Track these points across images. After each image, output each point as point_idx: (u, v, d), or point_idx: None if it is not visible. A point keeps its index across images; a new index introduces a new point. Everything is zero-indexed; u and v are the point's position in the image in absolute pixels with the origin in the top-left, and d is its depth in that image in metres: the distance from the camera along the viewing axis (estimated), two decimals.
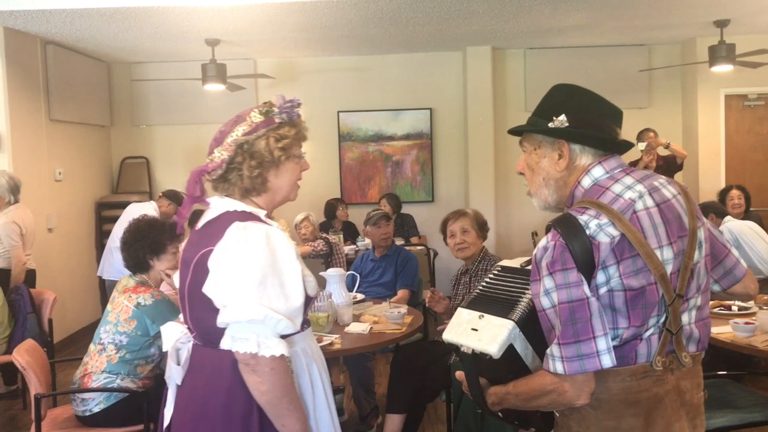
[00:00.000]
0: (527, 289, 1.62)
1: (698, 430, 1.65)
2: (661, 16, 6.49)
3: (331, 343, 3.25)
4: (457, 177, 8.07)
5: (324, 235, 5.89)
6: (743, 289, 1.79)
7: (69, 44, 6.76)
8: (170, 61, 7.77)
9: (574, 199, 1.65)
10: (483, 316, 1.64)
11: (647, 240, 1.52)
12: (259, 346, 1.72)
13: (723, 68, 6.66)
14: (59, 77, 6.69)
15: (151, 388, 3.24)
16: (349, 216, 7.37)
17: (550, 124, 1.66)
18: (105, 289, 7.12)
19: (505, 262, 1.81)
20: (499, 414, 1.72)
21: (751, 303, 3.56)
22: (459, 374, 1.76)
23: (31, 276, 5.24)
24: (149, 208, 6.08)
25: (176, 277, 1.99)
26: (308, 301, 1.87)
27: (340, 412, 4.08)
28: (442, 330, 3.63)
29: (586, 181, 1.64)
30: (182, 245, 2.12)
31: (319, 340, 3.18)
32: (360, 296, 4.24)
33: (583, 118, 1.65)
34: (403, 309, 3.74)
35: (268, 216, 1.90)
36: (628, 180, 1.61)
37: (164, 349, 1.97)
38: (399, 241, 6.00)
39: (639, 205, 1.55)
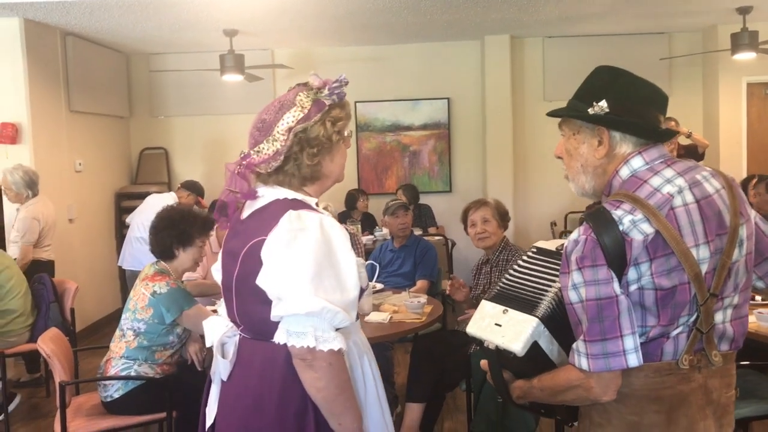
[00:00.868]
0: (557, 276, 1.59)
1: (726, 429, 1.61)
2: (682, 3, 6.41)
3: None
4: (475, 167, 8.04)
5: (342, 225, 5.89)
6: None
7: (88, 35, 6.80)
8: (188, 52, 7.79)
9: (611, 189, 1.60)
10: (507, 311, 1.61)
11: (683, 238, 1.47)
12: (316, 341, 1.63)
13: (745, 56, 6.57)
14: (79, 68, 6.73)
15: (171, 374, 3.28)
16: (368, 207, 7.37)
17: (590, 110, 1.59)
18: (125, 279, 7.20)
19: (541, 244, 1.76)
20: (525, 404, 1.71)
21: None
22: (483, 363, 1.74)
23: (50, 266, 5.30)
24: (169, 199, 6.11)
25: (215, 270, 1.94)
26: (361, 292, 1.78)
27: None
28: (463, 320, 3.66)
29: (625, 172, 1.58)
30: (212, 238, 2.08)
31: None
32: (379, 286, 4.24)
33: (624, 104, 1.58)
34: (423, 298, 3.74)
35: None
36: (669, 173, 1.55)
37: (207, 345, 1.89)
38: (417, 232, 5.99)
39: (677, 201, 1.50)
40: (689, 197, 1.51)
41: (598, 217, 1.48)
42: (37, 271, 4.96)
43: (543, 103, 7.89)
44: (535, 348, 1.56)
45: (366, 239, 6.44)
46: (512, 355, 1.56)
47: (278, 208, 1.74)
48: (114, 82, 7.63)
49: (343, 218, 6.72)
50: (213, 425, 1.89)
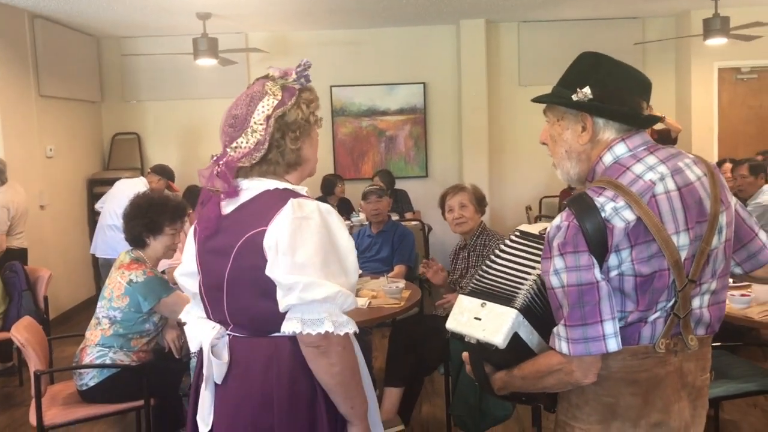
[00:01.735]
0: (533, 266, 1.61)
1: (699, 411, 1.65)
2: None
3: None
4: (451, 152, 8.05)
5: None
6: (766, 273, 1.74)
7: (57, 18, 6.66)
8: (161, 36, 7.68)
9: (595, 175, 1.61)
10: (485, 304, 1.61)
11: (664, 225, 1.49)
12: (334, 326, 1.63)
13: (717, 41, 6.64)
14: (48, 52, 6.60)
15: (148, 362, 3.25)
16: (345, 192, 7.36)
17: (574, 96, 1.59)
18: (98, 266, 7.11)
19: (525, 227, 1.77)
20: (507, 395, 1.72)
21: None
22: (465, 356, 1.74)
23: (23, 254, 5.22)
24: (139, 184, 6.04)
25: (182, 275, 1.89)
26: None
27: None
28: (441, 305, 3.68)
29: (608, 158, 1.59)
30: (187, 228, 2.00)
31: None
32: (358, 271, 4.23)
33: (608, 91, 1.58)
34: (401, 283, 3.75)
35: None
36: (651, 160, 1.55)
37: (193, 350, 1.85)
38: (394, 217, 5.99)
39: (659, 188, 1.51)
40: (671, 185, 1.53)
41: (580, 204, 1.49)
42: (10, 259, 4.88)
43: (518, 88, 7.92)
44: (515, 339, 1.57)
45: None
46: (494, 348, 1.56)
47: (273, 198, 1.72)
48: (85, 66, 7.49)
49: None
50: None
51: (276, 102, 1.75)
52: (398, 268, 4.50)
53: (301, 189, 1.78)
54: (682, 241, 1.50)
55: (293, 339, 1.69)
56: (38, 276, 4.75)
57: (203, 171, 1.79)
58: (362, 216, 5.67)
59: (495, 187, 7.89)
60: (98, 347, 3.19)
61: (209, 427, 1.81)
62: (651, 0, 7.02)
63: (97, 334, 3.22)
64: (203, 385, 1.81)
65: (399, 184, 7.43)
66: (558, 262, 1.48)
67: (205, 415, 1.81)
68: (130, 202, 3.39)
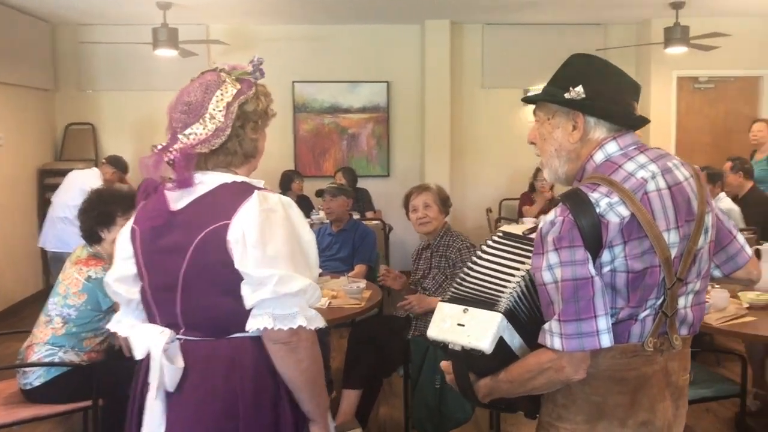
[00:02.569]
0: (517, 267, 1.59)
1: (681, 410, 1.66)
2: None
3: None
4: (413, 152, 8.02)
5: None
6: (745, 275, 1.78)
7: (10, 2, 6.42)
8: (120, 24, 7.47)
9: (584, 173, 1.62)
10: (467, 309, 1.58)
11: (656, 222, 1.50)
12: (306, 320, 1.61)
13: (677, 50, 6.75)
14: None
15: (98, 362, 3.13)
16: (304, 189, 7.26)
17: (567, 95, 1.60)
18: (47, 260, 6.88)
19: (507, 228, 1.76)
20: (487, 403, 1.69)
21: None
22: (445, 365, 1.71)
23: None
24: (92, 176, 5.87)
25: (117, 279, 1.79)
26: None
27: None
28: (402, 306, 3.63)
29: (599, 156, 1.60)
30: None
31: None
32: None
33: (600, 91, 1.60)
34: (362, 284, 3.69)
35: None
36: (642, 158, 1.57)
37: (140, 356, 1.73)
38: (355, 216, 5.92)
39: (651, 186, 1.52)
40: (662, 183, 1.54)
41: (575, 199, 1.49)
42: None
43: (481, 90, 7.94)
44: (499, 344, 1.55)
45: None
46: (480, 354, 1.53)
47: (232, 191, 1.67)
48: (38, 52, 7.24)
49: None
50: None
51: (235, 91, 1.72)
52: (359, 268, 4.44)
53: (259, 182, 1.74)
54: (672, 238, 1.52)
55: (255, 339, 1.64)
56: None
57: (146, 159, 1.71)
58: (322, 214, 5.59)
59: (456, 188, 7.88)
60: (47, 346, 3.05)
61: None
62: (613, 7, 7.10)
63: (47, 332, 3.07)
64: (151, 395, 1.70)
65: (361, 183, 7.36)
66: (552, 257, 1.47)
67: (154, 427, 1.70)
68: (85, 198, 3.28)
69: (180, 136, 1.69)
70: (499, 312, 1.54)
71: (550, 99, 1.65)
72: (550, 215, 1.52)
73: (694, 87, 7.84)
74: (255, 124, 1.75)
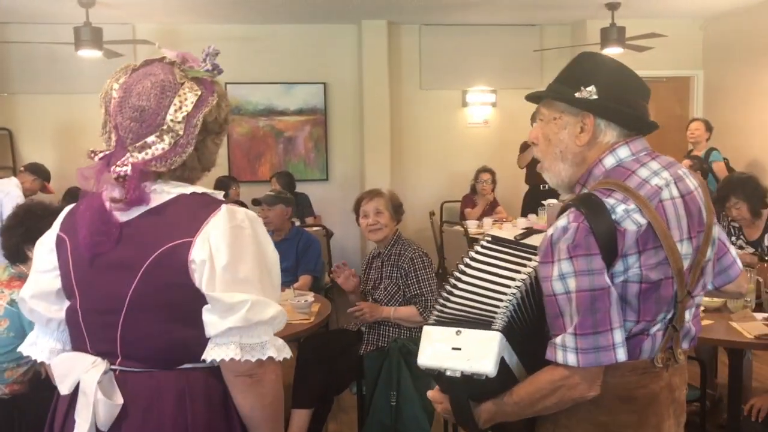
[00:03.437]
0: (511, 278, 1.47)
1: (681, 428, 1.60)
2: None
3: None
4: (353, 155, 7.85)
5: None
6: (735, 288, 1.73)
7: None
8: (39, 23, 7.02)
9: (590, 177, 1.53)
10: (460, 331, 1.45)
11: (670, 232, 1.42)
12: (277, 351, 1.45)
13: (614, 50, 6.78)
14: None
15: (21, 394, 2.84)
16: (240, 195, 6.99)
17: (577, 94, 1.51)
18: None
19: (496, 232, 1.63)
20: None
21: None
22: (434, 395, 1.59)
23: None
24: (10, 185, 5.47)
25: (35, 296, 1.57)
26: None
27: None
28: (353, 312, 3.45)
29: (610, 161, 1.51)
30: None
31: None
32: None
33: (613, 92, 1.51)
34: (310, 297, 3.49)
35: None
36: (655, 165, 1.49)
37: (65, 392, 1.51)
38: (296, 222, 5.71)
39: (665, 194, 1.45)
40: (675, 191, 1.47)
41: (590, 205, 1.40)
42: None
43: (420, 92, 7.85)
44: (501, 364, 1.43)
45: None
46: (484, 378, 1.41)
47: (193, 204, 1.47)
48: None
49: None
50: None
51: (196, 99, 1.49)
52: (303, 279, 4.23)
53: (218, 193, 1.55)
54: (685, 249, 1.46)
55: (208, 369, 1.46)
56: None
57: (85, 171, 1.51)
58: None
59: (397, 191, 7.53)
60: None
61: None
62: (549, 8, 7.11)
63: None
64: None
65: (299, 188, 7.13)
66: (565, 266, 1.38)
67: None
68: (9, 215, 2.99)
69: (131, 149, 1.47)
70: (498, 331, 1.42)
71: (560, 97, 1.54)
72: (562, 221, 1.41)
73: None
74: (218, 135, 1.57)
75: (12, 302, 2.76)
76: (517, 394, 1.46)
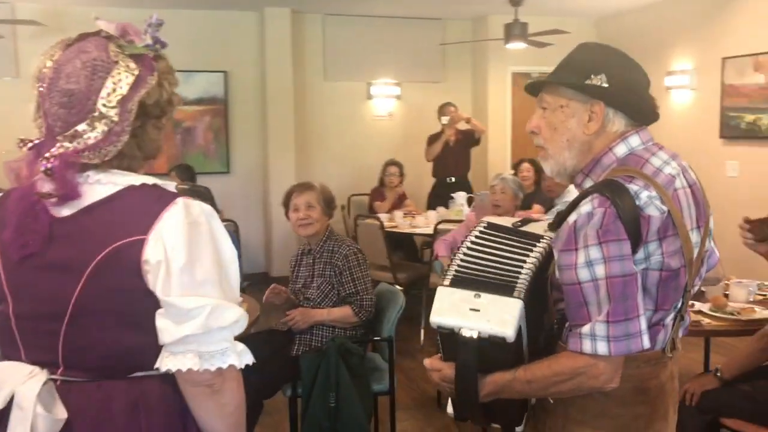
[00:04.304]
0: (525, 254, 1.44)
1: (675, 416, 1.62)
2: None
3: None
4: (255, 146, 7.60)
5: None
6: (714, 274, 1.82)
7: None
8: None
9: (597, 166, 1.51)
10: (479, 295, 1.40)
11: (684, 221, 1.43)
12: (239, 358, 1.33)
13: (517, 46, 6.90)
14: None
15: None
16: None
17: (588, 82, 1.49)
18: None
19: (494, 219, 1.59)
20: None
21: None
22: (433, 363, 1.52)
23: None
24: None
25: None
26: None
27: None
28: (285, 323, 3.30)
29: (621, 149, 1.50)
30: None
31: None
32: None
33: (622, 82, 1.50)
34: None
35: None
36: (663, 155, 1.50)
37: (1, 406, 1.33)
38: None
39: (678, 183, 1.46)
40: (684, 181, 1.49)
41: (614, 189, 1.37)
42: None
43: (324, 83, 7.71)
44: (517, 335, 1.39)
45: None
46: (501, 342, 1.36)
47: (144, 197, 1.34)
48: None
49: None
50: None
51: (132, 78, 1.34)
52: None
53: (171, 184, 1.41)
54: (695, 238, 1.46)
55: (165, 377, 1.33)
56: None
57: (12, 164, 1.36)
58: None
59: None
60: None
61: None
62: (451, 3, 7.16)
63: None
64: None
65: (199, 181, 6.82)
66: (594, 252, 1.34)
67: None
68: None
69: (60, 138, 1.32)
70: (519, 299, 1.38)
71: (571, 84, 1.50)
72: (585, 207, 1.38)
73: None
74: (159, 120, 1.42)
75: None
76: (532, 373, 1.42)
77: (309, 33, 7.64)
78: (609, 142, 1.51)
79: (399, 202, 6.68)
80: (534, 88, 1.61)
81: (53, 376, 1.33)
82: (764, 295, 3.28)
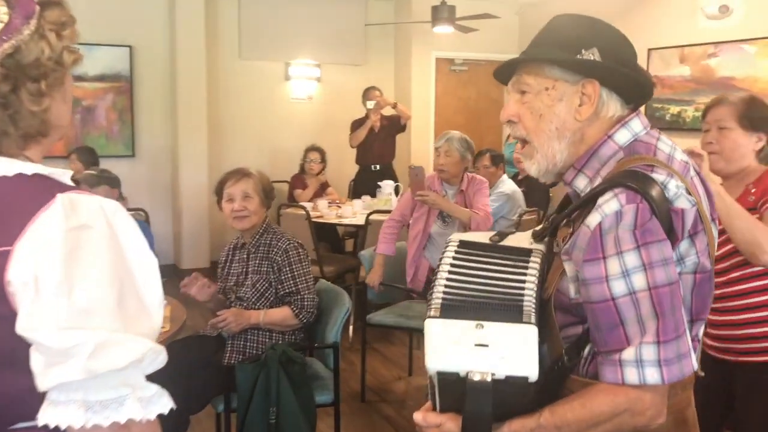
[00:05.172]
0: (521, 271, 1.19)
1: None
2: None
3: None
4: (164, 128, 7.03)
5: None
6: None
7: None
8: None
9: (593, 158, 1.26)
10: (481, 324, 1.10)
11: (706, 213, 1.22)
12: (142, 404, 0.99)
13: (444, 29, 6.70)
14: None
15: None
16: None
17: (580, 58, 1.25)
18: None
19: (466, 236, 1.28)
20: None
21: None
22: (426, 417, 1.18)
23: None
24: None
25: None
26: None
27: None
28: (215, 324, 2.92)
29: (623, 136, 1.25)
30: None
31: None
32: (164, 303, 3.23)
33: (616, 57, 1.26)
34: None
35: None
36: (667, 140, 1.28)
37: None
38: None
39: (691, 171, 1.25)
40: (693, 170, 1.28)
41: (641, 180, 1.13)
42: None
43: (239, 62, 7.23)
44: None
45: None
46: (524, 383, 1.09)
47: (15, 193, 1.01)
48: None
49: None
50: None
51: (1, 27, 1.02)
52: None
53: (64, 173, 1.08)
54: (714, 232, 1.25)
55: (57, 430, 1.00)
56: None
57: None
58: None
59: (215, 170, 7.01)
60: None
61: None
62: None
63: None
64: None
65: (101, 165, 6.23)
66: (632, 259, 1.10)
67: None
68: None
69: None
70: (531, 323, 1.10)
71: (561, 60, 1.25)
72: (610, 205, 1.13)
73: (450, 69, 7.96)
74: (37, 85, 1.06)
75: None
76: (561, 418, 1.13)
77: (223, 7, 7.14)
78: (606, 129, 1.27)
79: (321, 191, 6.34)
80: (507, 70, 1.33)
81: None
82: None
